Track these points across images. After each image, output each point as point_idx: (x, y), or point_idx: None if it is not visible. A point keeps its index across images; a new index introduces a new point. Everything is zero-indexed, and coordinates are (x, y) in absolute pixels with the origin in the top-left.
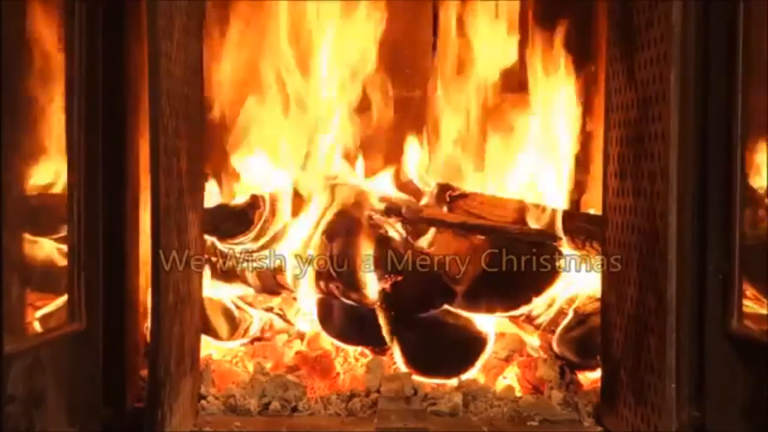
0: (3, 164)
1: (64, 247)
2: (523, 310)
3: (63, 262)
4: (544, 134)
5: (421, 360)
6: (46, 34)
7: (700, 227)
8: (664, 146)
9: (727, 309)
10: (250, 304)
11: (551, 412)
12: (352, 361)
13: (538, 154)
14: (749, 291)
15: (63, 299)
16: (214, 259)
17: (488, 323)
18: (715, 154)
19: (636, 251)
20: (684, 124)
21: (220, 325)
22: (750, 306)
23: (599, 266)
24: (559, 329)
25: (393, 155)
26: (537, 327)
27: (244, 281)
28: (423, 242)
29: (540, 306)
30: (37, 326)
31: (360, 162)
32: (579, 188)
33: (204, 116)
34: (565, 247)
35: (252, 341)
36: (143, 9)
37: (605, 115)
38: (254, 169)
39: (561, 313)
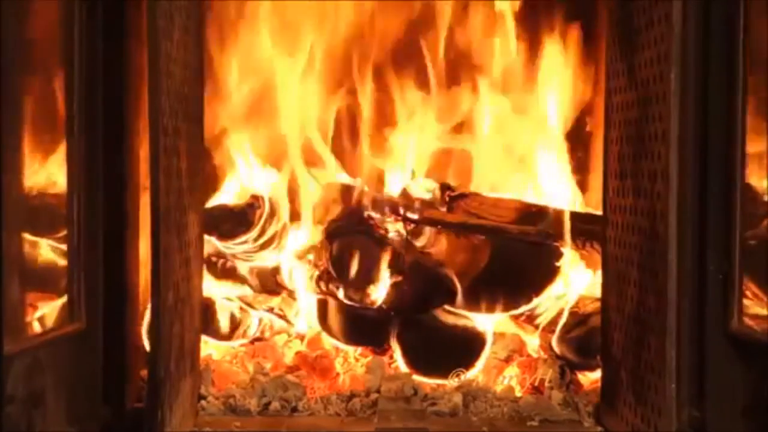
0: (3, 164)
1: (64, 247)
2: (523, 310)
3: (63, 262)
4: (544, 133)
5: (421, 360)
6: (46, 34)
7: (700, 227)
8: (665, 146)
9: (727, 309)
10: (250, 304)
11: (551, 412)
12: (352, 361)
13: (538, 153)
14: (749, 291)
15: (63, 299)
16: (214, 259)
17: (488, 323)
18: (715, 154)
19: (636, 251)
20: (684, 124)
21: (220, 325)
22: (750, 306)
23: (599, 266)
24: (559, 329)
25: (393, 155)
26: (537, 327)
27: (244, 281)
28: (423, 242)
29: (540, 306)
30: (37, 326)
31: (360, 162)
32: (579, 188)
33: (204, 116)
34: (565, 247)
35: (252, 341)
36: (143, 9)
37: (605, 115)
38: (254, 169)
39: (561, 313)
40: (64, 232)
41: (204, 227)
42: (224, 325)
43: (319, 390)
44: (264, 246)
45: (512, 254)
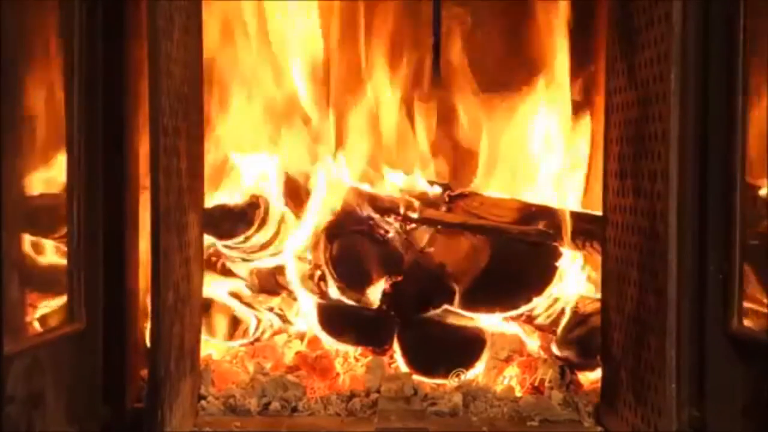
0: (3, 164)
1: (64, 247)
2: (523, 310)
3: (63, 262)
4: (544, 134)
5: (421, 360)
6: (46, 34)
7: (700, 227)
8: (665, 146)
9: (727, 309)
10: (250, 304)
11: (551, 412)
12: (352, 361)
13: (537, 153)
14: (749, 291)
15: (63, 299)
16: (214, 259)
17: (488, 323)
18: (715, 154)
19: (636, 251)
20: (684, 124)
21: (220, 325)
22: (750, 306)
23: (599, 266)
24: (559, 329)
25: (393, 155)
26: (537, 327)
27: (244, 281)
28: (423, 242)
29: (540, 306)
30: (37, 326)
31: (360, 162)
32: (579, 188)
33: (204, 116)
34: (565, 247)
35: (252, 341)
36: (143, 9)
37: (605, 115)
38: (254, 169)
39: (561, 313)
40: (64, 232)
41: (204, 227)
42: (224, 325)
43: (319, 390)
44: (264, 246)
45: (512, 254)
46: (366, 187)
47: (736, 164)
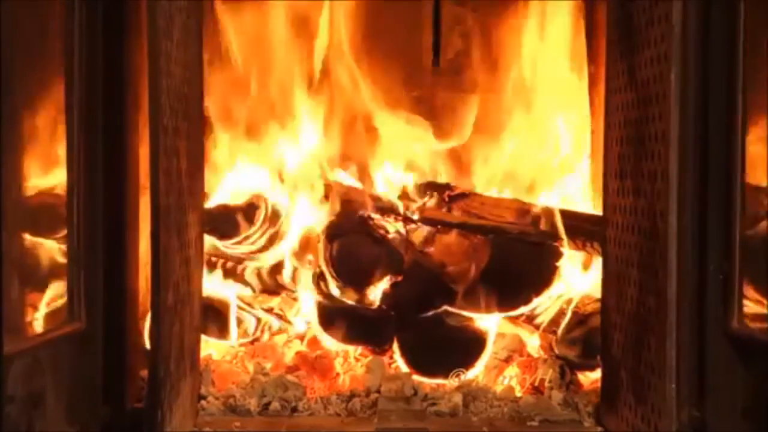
0: (3, 164)
1: (64, 247)
2: (523, 310)
3: (63, 262)
4: (545, 134)
5: (421, 360)
6: (46, 34)
7: (700, 227)
8: (665, 146)
9: (727, 309)
10: (250, 305)
11: (551, 412)
12: (352, 361)
13: (538, 154)
14: (749, 291)
15: (63, 299)
16: (214, 259)
17: (488, 323)
18: (715, 154)
19: (636, 251)
20: (684, 124)
21: (220, 325)
22: (750, 306)
23: (599, 266)
24: (559, 329)
25: (393, 155)
26: (537, 327)
27: (244, 281)
28: (423, 242)
29: (540, 306)
30: (37, 326)
31: (360, 162)
32: (579, 188)
33: (204, 116)
34: (565, 247)
35: (252, 341)
36: (143, 9)
37: (605, 115)
38: (254, 170)
39: (561, 313)
40: (64, 232)
41: (204, 227)
42: (224, 325)
43: (319, 390)
44: (264, 246)
45: (512, 254)
46: (366, 188)
47: (736, 164)
